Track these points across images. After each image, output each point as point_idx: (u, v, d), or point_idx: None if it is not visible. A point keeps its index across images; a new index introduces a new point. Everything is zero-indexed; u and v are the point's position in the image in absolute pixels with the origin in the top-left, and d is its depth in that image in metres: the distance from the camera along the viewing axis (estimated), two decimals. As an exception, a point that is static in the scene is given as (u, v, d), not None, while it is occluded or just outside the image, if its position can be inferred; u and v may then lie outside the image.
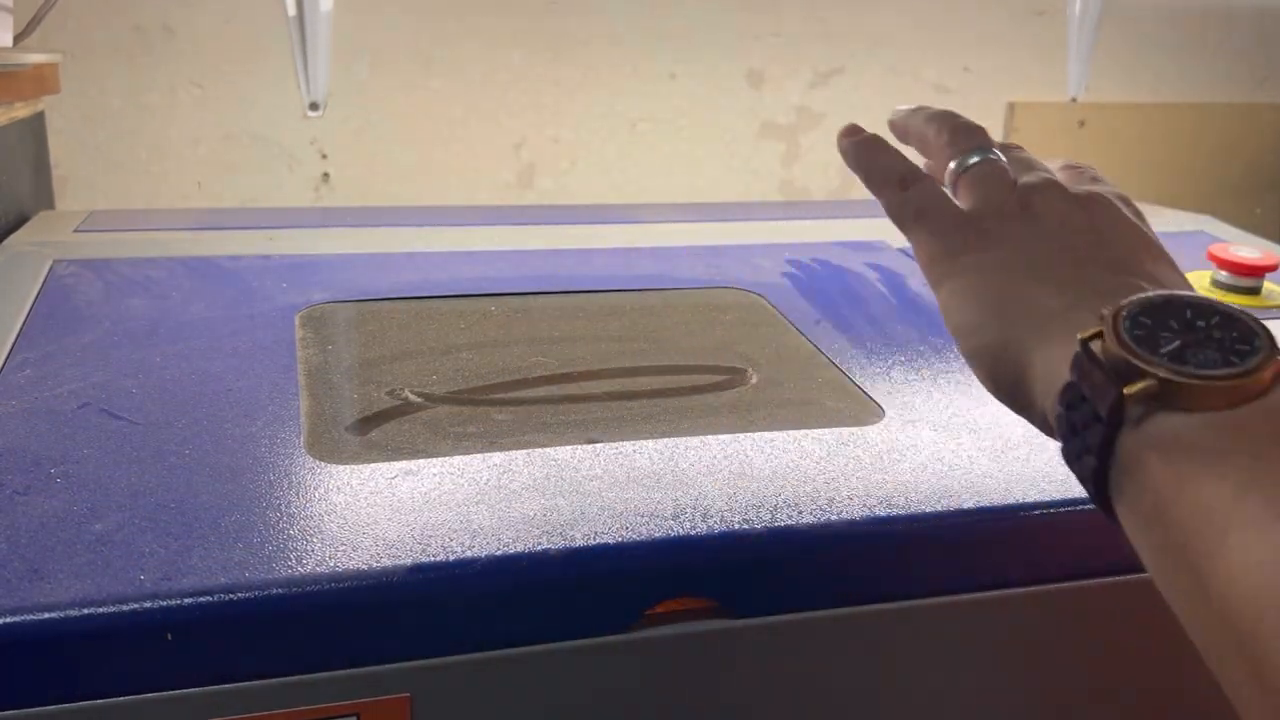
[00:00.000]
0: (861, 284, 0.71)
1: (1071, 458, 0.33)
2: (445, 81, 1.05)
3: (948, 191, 0.44)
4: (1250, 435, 0.29)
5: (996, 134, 1.22)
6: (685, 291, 0.69)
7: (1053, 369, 0.35)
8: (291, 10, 0.98)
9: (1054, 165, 0.46)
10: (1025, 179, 0.43)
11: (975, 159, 0.44)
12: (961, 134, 0.45)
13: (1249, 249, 0.75)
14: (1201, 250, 0.79)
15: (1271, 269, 0.72)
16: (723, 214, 0.92)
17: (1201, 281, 0.75)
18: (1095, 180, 0.45)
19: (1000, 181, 0.43)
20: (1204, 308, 0.34)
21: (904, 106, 0.49)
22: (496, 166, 1.09)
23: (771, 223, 0.86)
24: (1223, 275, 0.73)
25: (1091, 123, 1.26)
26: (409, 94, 1.04)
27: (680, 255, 0.75)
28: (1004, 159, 0.44)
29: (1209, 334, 0.32)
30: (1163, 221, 0.92)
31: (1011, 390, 0.37)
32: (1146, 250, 0.41)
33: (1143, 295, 0.34)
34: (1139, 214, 0.43)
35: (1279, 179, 1.36)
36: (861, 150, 0.46)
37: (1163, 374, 0.31)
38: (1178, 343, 0.32)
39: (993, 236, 0.40)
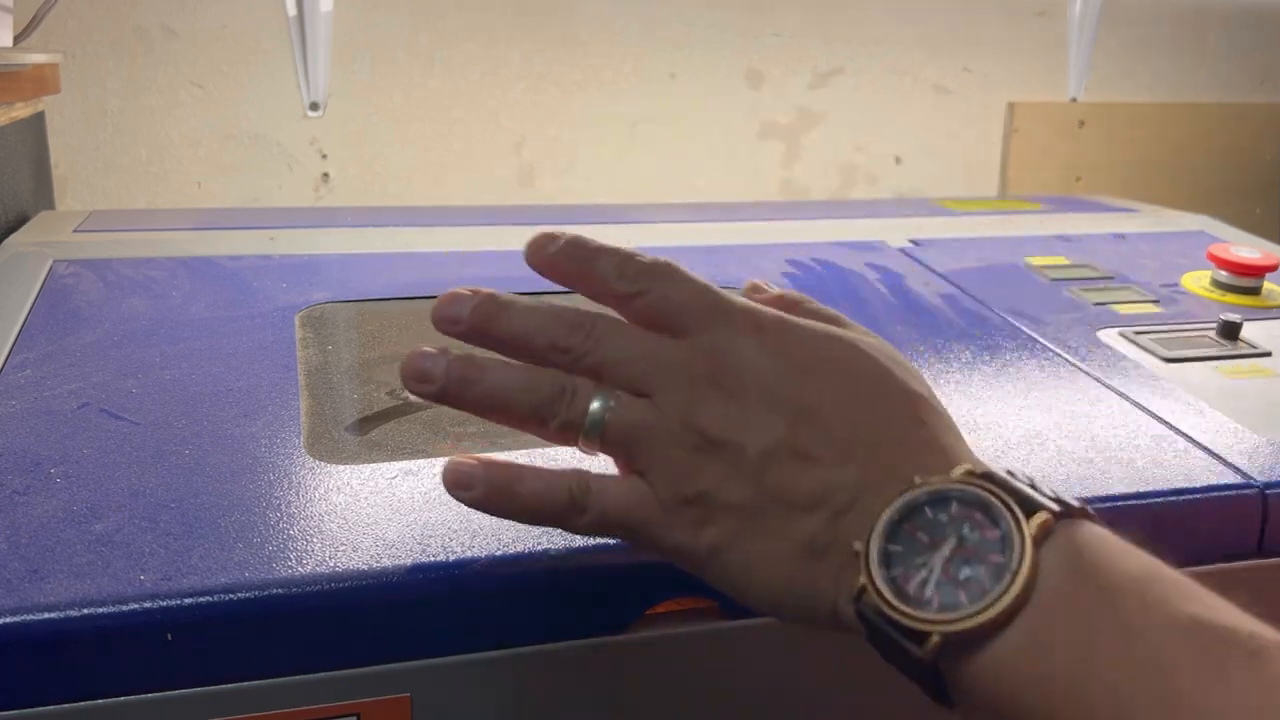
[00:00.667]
0: (861, 284, 0.71)
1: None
2: (445, 81, 1.05)
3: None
4: (1065, 633, 0.30)
5: (996, 134, 1.23)
6: (685, 291, 0.68)
7: (850, 613, 0.33)
8: (291, 10, 0.98)
9: (609, 286, 0.37)
10: (661, 398, 0.35)
11: (595, 410, 0.35)
12: (549, 402, 0.35)
13: (1249, 249, 0.75)
14: (1201, 250, 0.79)
15: (1271, 269, 0.72)
16: (723, 214, 0.92)
17: (1202, 281, 0.75)
18: (676, 301, 0.36)
19: (647, 431, 0.35)
20: (939, 499, 0.33)
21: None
22: (496, 166, 1.09)
23: (771, 223, 0.86)
24: (1223, 275, 0.73)
25: (1091, 123, 1.26)
26: (409, 94, 1.04)
27: (680, 255, 0.75)
28: (612, 384, 0.35)
29: (959, 536, 0.32)
30: (1163, 221, 0.92)
31: (836, 630, 0.35)
32: (834, 403, 0.35)
33: (884, 518, 0.33)
34: (766, 323, 0.36)
35: (1279, 179, 1.36)
36: (498, 482, 0.35)
37: (945, 629, 0.31)
38: (938, 568, 0.32)
39: (704, 501, 0.34)
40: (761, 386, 0.34)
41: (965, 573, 0.31)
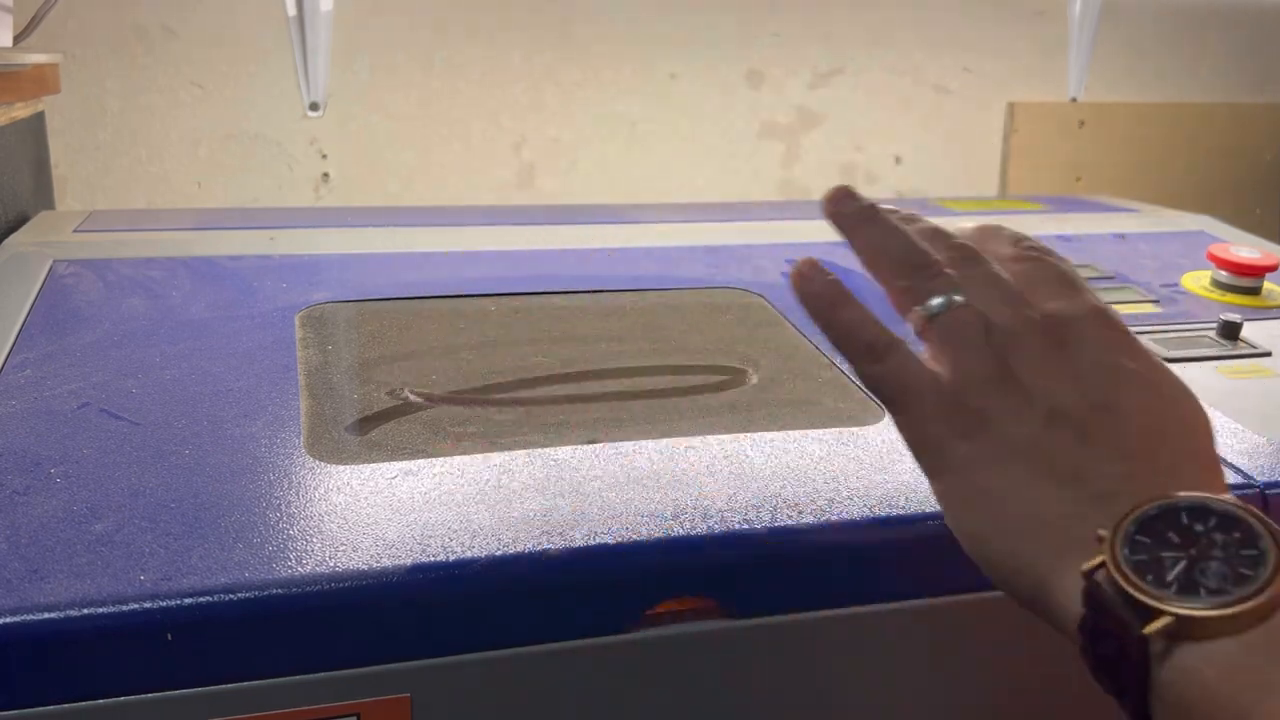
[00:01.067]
0: (862, 284, 0.71)
1: (1106, 688, 0.33)
2: (445, 81, 1.05)
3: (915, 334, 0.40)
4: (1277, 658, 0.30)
5: (996, 134, 1.23)
6: (685, 291, 0.69)
7: (1067, 594, 0.34)
8: (291, 10, 0.98)
9: (1004, 249, 0.42)
10: (1000, 326, 0.38)
11: (938, 302, 0.39)
12: (917, 271, 0.40)
13: (1249, 249, 0.75)
14: (1201, 250, 0.79)
15: (1271, 269, 0.72)
16: (723, 214, 0.92)
17: (1202, 281, 0.75)
18: (1060, 279, 0.40)
19: (974, 337, 0.38)
20: (1200, 510, 0.33)
21: (841, 199, 0.42)
22: (496, 166, 1.09)
23: (771, 223, 0.86)
24: (1223, 275, 0.73)
25: (1091, 123, 1.26)
26: (409, 94, 1.04)
27: (680, 255, 0.75)
28: (966, 297, 0.39)
29: (1211, 541, 0.32)
30: (1163, 221, 0.92)
31: (1029, 604, 0.36)
32: (1137, 407, 0.37)
33: (1138, 511, 0.33)
34: (1116, 326, 0.39)
35: (1279, 179, 1.36)
36: (821, 303, 0.40)
37: (1179, 611, 0.31)
38: (1183, 563, 0.32)
39: (980, 419, 0.37)
40: (1081, 364, 0.37)
41: (1210, 575, 0.31)
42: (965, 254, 0.40)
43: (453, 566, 0.39)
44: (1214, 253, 0.74)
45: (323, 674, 0.38)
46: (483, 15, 1.04)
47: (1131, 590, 0.31)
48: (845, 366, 0.58)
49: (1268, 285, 0.73)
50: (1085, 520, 0.34)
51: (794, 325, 0.63)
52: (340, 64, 1.01)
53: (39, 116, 0.88)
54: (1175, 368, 0.61)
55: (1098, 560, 0.32)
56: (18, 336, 0.55)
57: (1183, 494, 0.34)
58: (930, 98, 1.21)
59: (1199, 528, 0.33)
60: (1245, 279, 0.73)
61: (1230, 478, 0.49)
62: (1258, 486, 0.48)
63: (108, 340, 0.55)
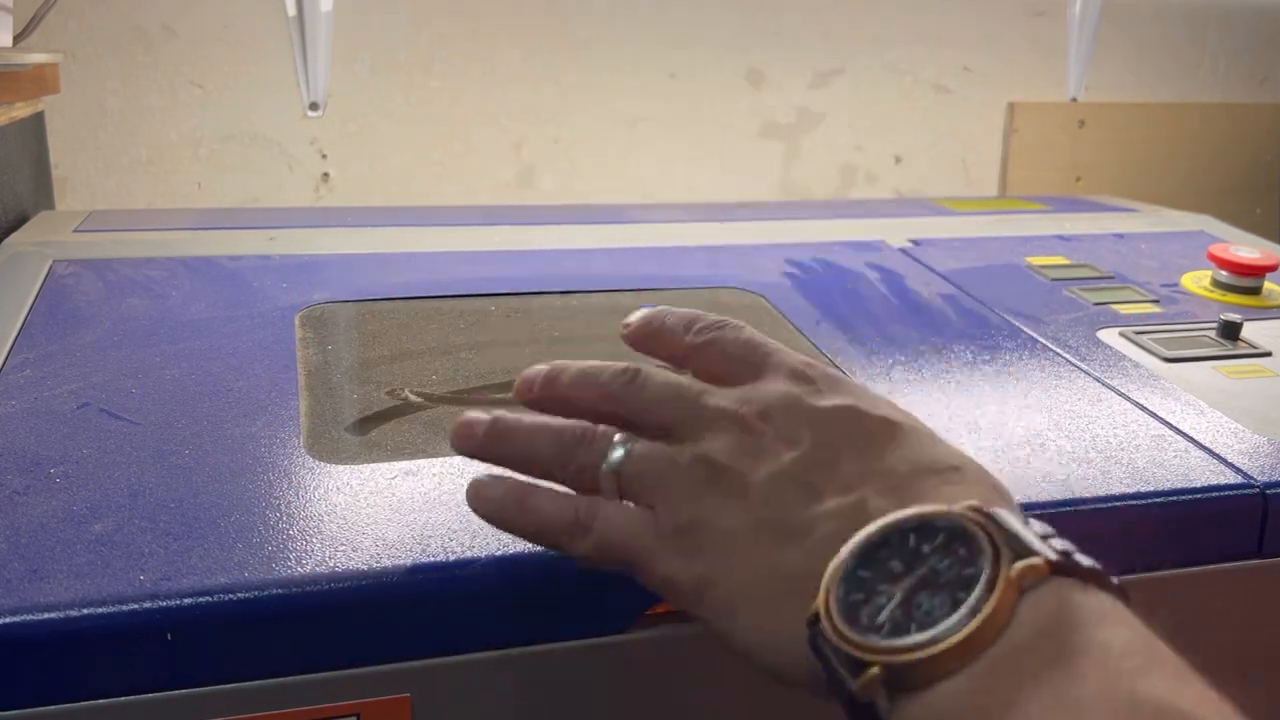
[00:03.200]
0: (861, 284, 0.71)
1: None
2: (445, 81, 1.05)
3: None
4: (1005, 691, 0.27)
5: (996, 134, 1.23)
6: (685, 291, 0.69)
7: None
8: (291, 10, 0.98)
9: (677, 344, 0.39)
10: (683, 436, 0.36)
11: (616, 459, 0.36)
12: (577, 449, 0.37)
13: (1249, 249, 0.75)
14: (1201, 250, 0.79)
15: (1271, 269, 0.72)
16: (723, 214, 0.92)
17: (1202, 281, 0.75)
18: (741, 351, 0.38)
19: (662, 463, 0.36)
20: (924, 527, 0.30)
21: (462, 437, 0.38)
22: (496, 166, 1.09)
23: (771, 223, 0.86)
24: (1223, 275, 0.73)
25: (1091, 123, 1.26)
26: (409, 94, 1.04)
27: (680, 255, 0.75)
28: (639, 434, 0.37)
29: (933, 564, 0.29)
30: (1163, 221, 0.92)
31: (804, 684, 0.32)
32: (844, 436, 0.35)
33: (856, 540, 0.30)
34: (804, 375, 0.37)
35: (1279, 179, 1.36)
36: (506, 509, 0.37)
37: (884, 659, 0.28)
38: (898, 596, 0.29)
39: (699, 528, 0.34)
40: (784, 421, 0.35)
41: (925, 605, 0.28)
42: (624, 379, 0.38)
43: (453, 566, 0.39)
44: (1214, 253, 0.74)
45: (323, 674, 0.38)
46: (483, 15, 1.04)
47: (838, 642, 0.29)
48: (845, 366, 0.58)
49: (1268, 285, 0.73)
50: (820, 565, 0.31)
51: (794, 325, 0.63)
52: (340, 64, 1.01)
53: (39, 116, 0.88)
54: (1176, 368, 0.61)
55: (812, 609, 0.30)
56: (18, 336, 0.55)
57: (906, 511, 0.31)
58: (930, 98, 1.21)
59: (925, 547, 0.29)
60: (1245, 279, 0.73)
61: (1230, 478, 0.49)
62: (1258, 486, 0.48)
63: (108, 340, 0.55)
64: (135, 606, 0.35)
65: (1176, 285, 0.75)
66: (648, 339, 0.40)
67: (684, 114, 1.13)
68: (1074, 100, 1.26)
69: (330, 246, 0.73)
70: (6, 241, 0.72)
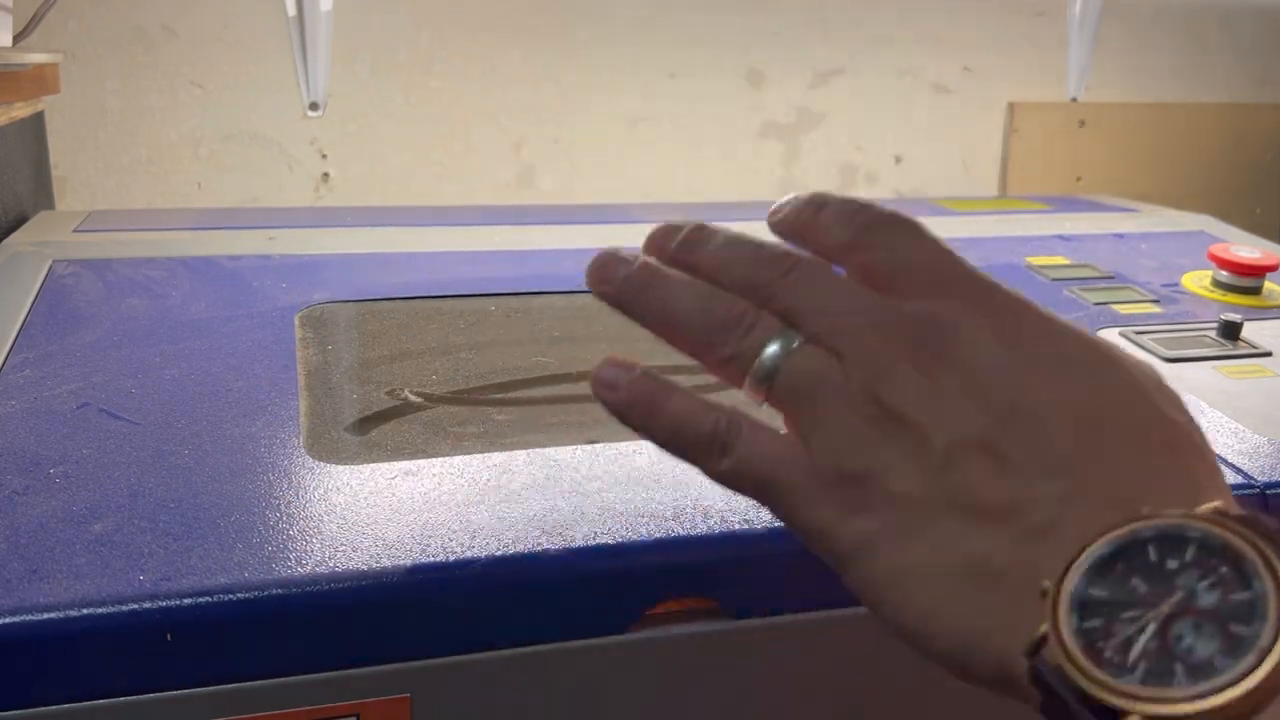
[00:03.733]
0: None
1: None
2: (445, 81, 1.05)
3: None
4: None
5: (996, 134, 1.23)
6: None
7: (1022, 673, 0.26)
8: (291, 10, 0.98)
9: (833, 235, 0.32)
10: (855, 355, 0.30)
11: (770, 356, 0.31)
12: (726, 329, 0.31)
13: (1249, 249, 0.75)
14: (1201, 250, 0.79)
15: (1272, 269, 0.72)
16: (723, 214, 0.92)
17: (1202, 281, 0.75)
18: (917, 259, 0.31)
19: (827, 385, 0.30)
20: (1171, 539, 0.25)
21: (604, 270, 0.34)
22: (496, 166, 1.09)
23: (771, 223, 0.86)
24: (1223, 275, 0.73)
25: (1091, 123, 1.26)
26: (409, 94, 1.04)
27: (680, 255, 0.75)
28: (803, 333, 0.31)
29: (1188, 586, 0.24)
30: (1163, 221, 0.92)
31: (1000, 689, 0.28)
32: (1058, 401, 0.29)
33: (1086, 553, 0.25)
34: (1003, 303, 0.30)
35: (1279, 179, 1.36)
36: (639, 409, 0.32)
37: (1150, 710, 0.23)
38: (1151, 628, 0.24)
39: (868, 484, 0.29)
40: (972, 370, 0.29)
41: (1190, 641, 0.23)
42: (783, 268, 0.32)
43: (453, 566, 0.39)
44: (1214, 253, 0.74)
45: (323, 674, 0.38)
46: (483, 15, 1.04)
47: (1082, 681, 0.24)
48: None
49: (1268, 285, 0.73)
50: (1029, 562, 0.27)
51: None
52: (340, 64, 1.01)
53: (39, 116, 0.88)
54: (1176, 368, 0.61)
55: (1040, 633, 0.25)
56: (17, 336, 0.55)
57: (1145, 518, 0.25)
58: (930, 98, 1.21)
59: (1172, 564, 0.25)
60: (1246, 279, 0.73)
61: (1230, 478, 0.49)
62: (1258, 487, 0.48)
63: (108, 340, 0.55)
64: (135, 606, 0.35)
65: (1177, 285, 0.75)
66: (802, 225, 0.33)
67: (684, 114, 1.13)
68: (1074, 100, 1.26)
69: (330, 246, 0.73)
70: (6, 241, 0.72)
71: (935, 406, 0.29)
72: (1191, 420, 0.30)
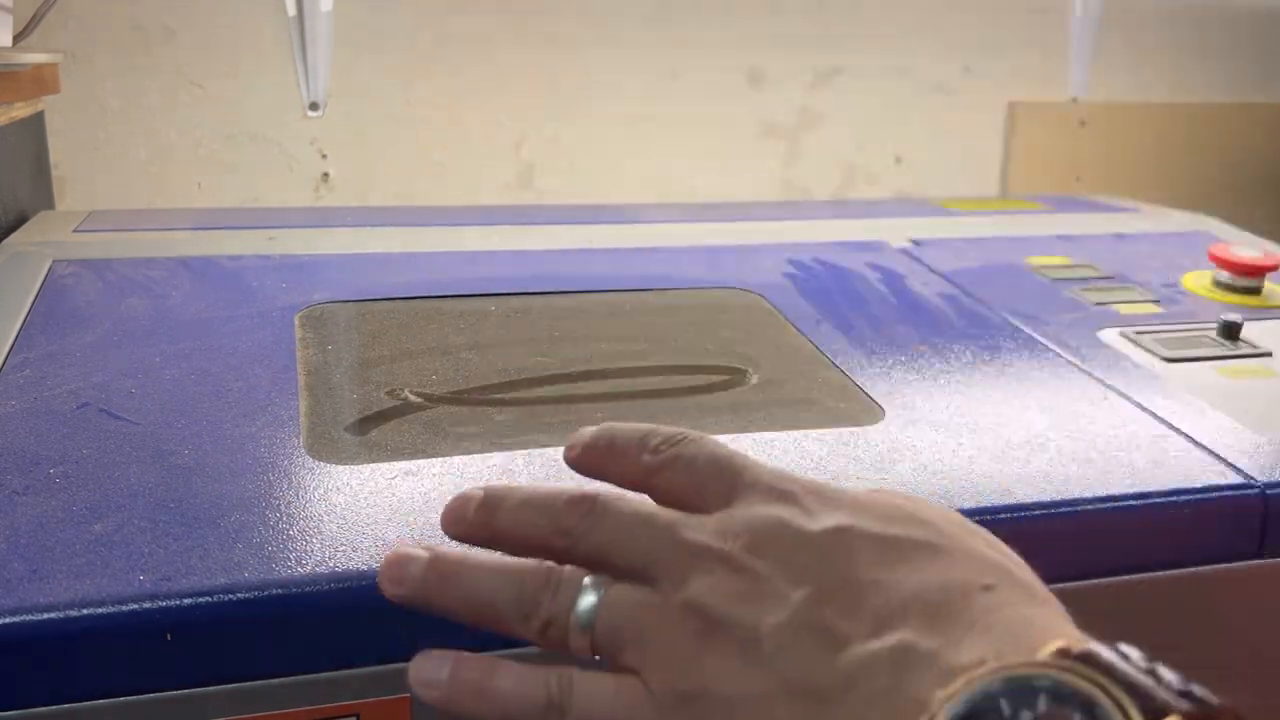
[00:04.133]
0: (861, 284, 0.71)
1: None
2: (445, 81, 1.05)
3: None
4: None
5: (996, 134, 1.23)
6: (685, 291, 0.69)
7: None
8: (291, 10, 0.98)
9: (636, 464, 0.33)
10: (668, 579, 0.30)
11: (584, 611, 0.30)
12: (537, 593, 0.31)
13: (1249, 249, 0.75)
14: (1202, 250, 0.79)
15: (1272, 269, 0.72)
16: (723, 214, 0.92)
17: (1203, 281, 0.75)
18: (711, 469, 0.32)
19: (646, 619, 0.30)
20: (1019, 689, 0.24)
21: (390, 573, 0.32)
22: (496, 166, 1.09)
23: (771, 223, 0.86)
24: (1223, 275, 0.73)
25: (1092, 123, 1.26)
26: (409, 94, 1.04)
27: (680, 255, 0.75)
28: (612, 576, 0.31)
29: None
30: (1163, 221, 0.92)
31: None
32: (864, 563, 0.29)
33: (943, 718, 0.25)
34: (791, 491, 0.31)
35: (1279, 179, 1.36)
36: (466, 690, 0.31)
37: None
38: None
39: (705, 699, 0.28)
40: (779, 554, 0.29)
41: None
42: (583, 510, 0.32)
43: (453, 566, 0.39)
44: (1215, 253, 0.74)
45: (323, 674, 0.38)
46: (483, 15, 1.04)
47: None
48: (845, 366, 0.58)
49: (1268, 285, 0.73)
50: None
51: (794, 325, 0.63)
52: (340, 64, 1.01)
53: (39, 116, 0.88)
54: (1176, 368, 0.61)
55: None
56: (17, 336, 0.55)
57: (991, 670, 0.24)
58: (930, 98, 1.21)
59: (1025, 715, 0.24)
60: (1246, 279, 0.73)
61: (1231, 477, 0.49)
62: (1258, 486, 0.48)
63: (108, 340, 0.55)
64: (135, 606, 0.35)
65: (1177, 285, 0.75)
66: (597, 460, 0.34)
67: (684, 114, 1.13)
68: (1074, 100, 1.26)
69: (330, 246, 0.73)
70: (6, 241, 0.72)
71: (754, 598, 0.29)
72: (1010, 555, 0.30)
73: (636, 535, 0.31)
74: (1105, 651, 0.24)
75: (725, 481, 0.32)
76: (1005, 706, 0.24)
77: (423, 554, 0.32)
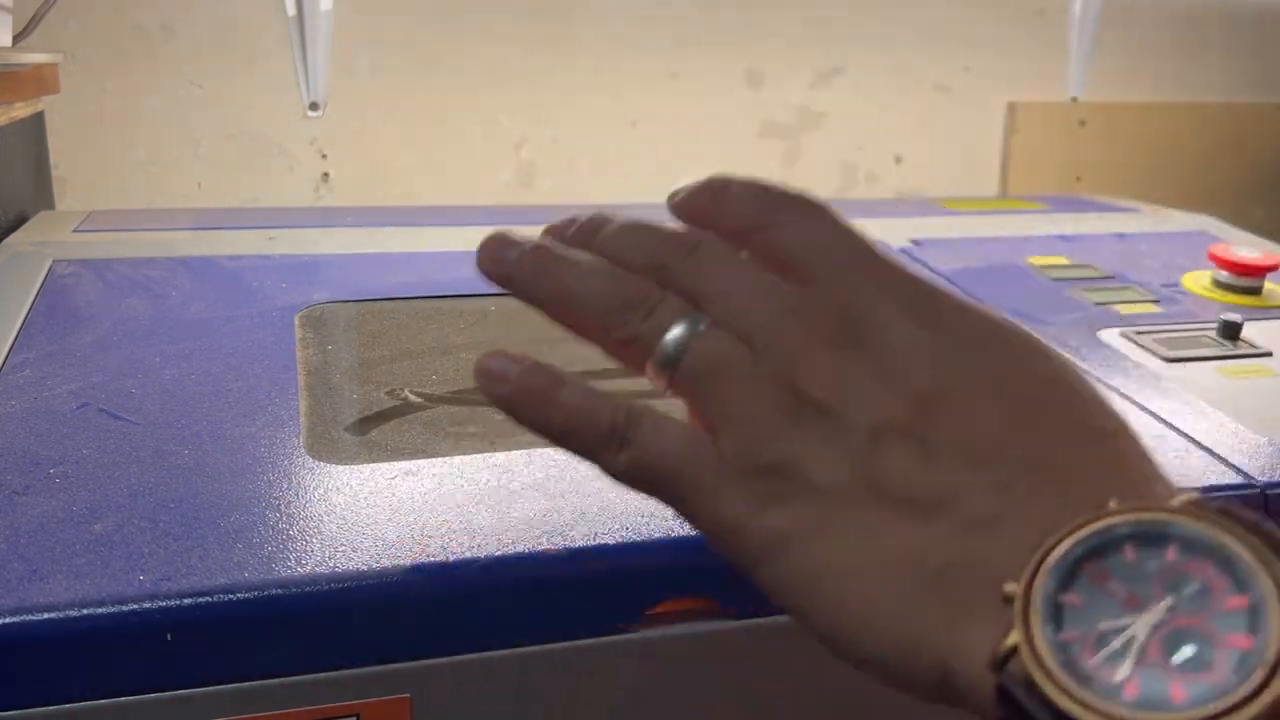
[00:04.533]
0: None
1: None
2: (445, 81, 1.05)
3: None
4: None
5: (996, 134, 1.23)
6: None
7: (976, 683, 0.24)
8: (291, 10, 0.98)
9: (737, 215, 0.31)
10: (765, 340, 0.28)
11: (673, 340, 0.28)
12: (628, 310, 0.29)
13: (1249, 249, 0.75)
14: (1202, 250, 0.79)
15: (1272, 269, 0.72)
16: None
17: (1202, 281, 0.75)
18: (822, 238, 0.29)
19: (736, 370, 0.28)
20: (1149, 534, 0.22)
21: (495, 250, 0.32)
22: (496, 166, 1.09)
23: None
24: (1223, 275, 0.73)
25: (1091, 123, 1.26)
26: (409, 94, 1.04)
27: (680, 255, 0.75)
28: (709, 316, 0.29)
29: (1178, 593, 0.22)
30: (1163, 221, 0.92)
31: (943, 698, 0.25)
32: (988, 382, 0.27)
33: (1054, 554, 0.23)
34: (908, 283, 0.29)
35: (1279, 179, 1.36)
36: (531, 399, 0.29)
37: None
38: (1139, 640, 0.21)
39: (784, 475, 0.27)
40: (889, 354, 0.27)
41: (1187, 654, 0.21)
42: (685, 249, 0.30)
43: (453, 566, 0.39)
44: (1215, 253, 0.74)
45: (323, 674, 0.38)
46: (483, 15, 1.04)
47: (1066, 704, 0.21)
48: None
49: (1269, 285, 0.73)
50: (976, 563, 0.24)
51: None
52: (340, 64, 1.01)
53: (39, 116, 0.88)
54: (1176, 368, 0.61)
55: (1009, 645, 0.22)
56: (17, 336, 0.55)
57: (1118, 511, 0.23)
58: (930, 98, 1.21)
59: (1152, 565, 0.22)
60: (1246, 279, 0.73)
61: (1231, 478, 0.49)
62: (1258, 486, 0.48)
63: (108, 340, 0.55)
64: (135, 606, 0.35)
65: (1177, 285, 0.75)
66: (700, 216, 0.31)
67: (684, 114, 1.13)
68: (1074, 100, 1.26)
69: (330, 246, 0.73)
70: (6, 241, 0.72)
71: (853, 392, 0.27)
72: (1119, 414, 0.28)
73: (740, 290, 0.28)
74: (1242, 511, 0.23)
75: (842, 256, 0.29)
76: (1130, 551, 0.22)
77: (523, 242, 0.31)
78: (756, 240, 0.30)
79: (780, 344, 0.28)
